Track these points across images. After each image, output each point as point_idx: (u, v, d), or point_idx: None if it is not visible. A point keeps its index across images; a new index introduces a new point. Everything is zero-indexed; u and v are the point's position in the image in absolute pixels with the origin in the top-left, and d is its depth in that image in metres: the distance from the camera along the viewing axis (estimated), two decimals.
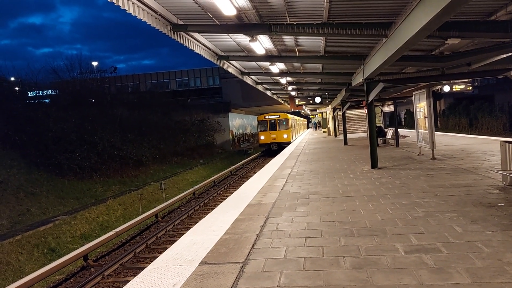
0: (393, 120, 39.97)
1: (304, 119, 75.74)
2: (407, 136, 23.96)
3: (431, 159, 12.29)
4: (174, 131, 38.88)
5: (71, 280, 10.03)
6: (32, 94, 36.12)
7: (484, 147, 14.91)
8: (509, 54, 10.89)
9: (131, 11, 7.52)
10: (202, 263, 4.39)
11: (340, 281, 3.64)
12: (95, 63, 43.62)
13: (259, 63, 15.52)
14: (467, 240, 4.47)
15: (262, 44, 11.24)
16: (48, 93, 38.39)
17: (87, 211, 16.87)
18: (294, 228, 5.56)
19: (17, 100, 27.48)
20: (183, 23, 9.34)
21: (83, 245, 11.85)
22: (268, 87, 26.77)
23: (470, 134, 30.57)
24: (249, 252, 4.66)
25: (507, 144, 7.45)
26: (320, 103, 26.51)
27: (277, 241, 5.03)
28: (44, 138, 23.62)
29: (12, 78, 35.52)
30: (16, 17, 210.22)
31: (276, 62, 14.34)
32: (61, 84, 37.01)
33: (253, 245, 4.92)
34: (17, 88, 32.65)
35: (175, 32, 9.55)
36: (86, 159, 24.13)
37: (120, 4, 7.08)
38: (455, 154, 13.31)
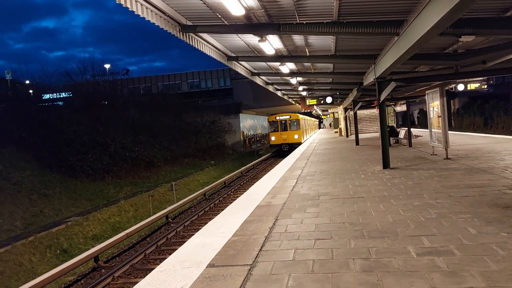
0: (405, 119, 39.54)
1: (315, 119, 75.40)
2: (420, 136, 23.68)
3: (444, 159, 12.08)
4: (186, 132, 39.06)
5: (82, 281, 10.08)
6: (46, 96, 36.64)
7: (500, 146, 14.63)
8: None
9: (140, 13, 7.51)
10: (210, 265, 4.33)
11: (350, 284, 3.54)
12: (107, 66, 44.02)
13: (269, 63, 15.44)
14: (481, 242, 4.33)
15: (271, 44, 11.16)
16: (61, 96, 38.89)
17: (99, 212, 16.99)
18: (303, 230, 5.46)
19: (31, 103, 27.91)
20: (191, 24, 9.31)
21: (94, 246, 11.91)
22: (279, 88, 26.67)
23: (485, 133, 30.12)
24: (257, 254, 4.58)
25: None
26: (331, 103, 26.33)
27: (286, 243, 4.94)
28: (57, 140, 23.92)
29: (27, 81, 36.07)
30: (29, 21, 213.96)
31: (286, 62, 14.24)
32: (74, 86, 37.51)
33: (262, 247, 4.85)
34: (31, 91, 33.13)
35: (184, 33, 9.53)
36: (98, 160, 24.36)
37: (128, 6, 7.07)
38: (470, 153, 13.07)
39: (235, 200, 9.02)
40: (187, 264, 4.46)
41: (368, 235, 4.96)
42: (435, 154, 13.52)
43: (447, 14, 5.58)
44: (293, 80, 20.13)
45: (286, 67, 15.40)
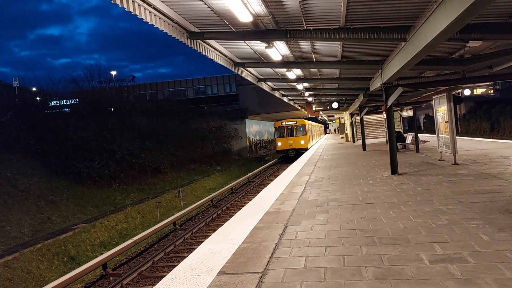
0: (412, 124, 39.40)
1: (321, 125, 75.33)
2: (427, 141, 23.56)
3: (452, 164, 12.00)
4: (192, 138, 39.10)
5: None
6: (52, 103, 36.87)
7: (508, 151, 14.51)
8: None
9: (148, 20, 7.57)
10: (221, 273, 4.32)
11: None
12: (113, 72, 44.27)
13: (275, 69, 15.48)
14: (494, 249, 4.29)
15: (278, 50, 11.20)
16: (68, 103, 39.12)
17: (106, 219, 16.99)
18: (314, 237, 5.44)
19: (38, 110, 28.02)
20: (199, 30, 9.37)
21: (102, 254, 11.91)
22: (285, 93, 26.70)
23: (492, 138, 29.90)
24: (268, 261, 4.56)
25: None
26: (338, 109, 26.30)
27: (297, 250, 4.92)
28: (64, 147, 23.99)
29: (34, 88, 36.31)
30: (35, 29, 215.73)
31: (293, 68, 14.28)
32: (81, 93, 37.71)
33: (272, 254, 4.83)
34: (38, 98, 33.32)
35: (192, 40, 9.59)
36: (105, 167, 24.38)
37: (137, 13, 7.13)
38: (478, 159, 12.98)
39: (243, 206, 9.02)
40: (197, 271, 4.45)
41: (379, 242, 4.93)
42: (443, 160, 13.44)
43: (456, 20, 5.57)
44: (299, 86, 20.17)
45: (293, 73, 15.43)
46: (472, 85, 19.76)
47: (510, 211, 5.86)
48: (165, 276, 4.49)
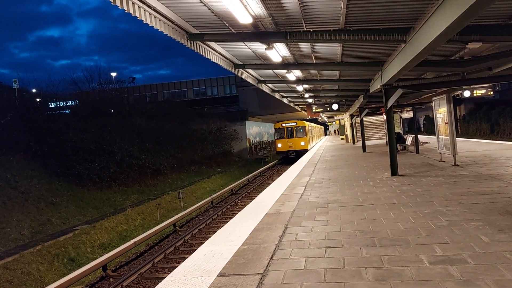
0: (412, 126, 39.42)
1: (321, 126, 75.34)
2: (427, 143, 23.58)
3: (452, 165, 12.01)
4: (192, 139, 39.12)
5: None
6: (52, 105, 36.87)
7: (508, 153, 14.51)
8: None
9: (148, 22, 7.58)
10: (221, 274, 4.32)
11: None
12: (113, 74, 44.26)
13: (275, 71, 15.48)
14: (494, 251, 4.29)
15: (278, 52, 11.21)
16: (68, 104, 39.11)
17: (106, 221, 17.00)
18: (314, 238, 5.44)
19: (38, 112, 28.06)
20: (199, 32, 9.37)
21: (102, 255, 11.90)
22: (285, 95, 26.71)
23: (492, 139, 29.94)
24: (268, 263, 4.56)
25: None
26: (338, 110, 26.34)
27: (297, 251, 4.92)
28: (64, 149, 24.02)
29: (34, 90, 36.29)
30: (35, 30, 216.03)
31: (293, 69, 14.28)
32: (81, 95, 37.70)
33: (272, 255, 4.83)
34: (38, 100, 33.32)
35: (192, 42, 9.59)
36: (105, 168, 24.40)
37: (137, 15, 7.14)
38: (478, 160, 12.98)
39: (243, 208, 9.01)
40: (197, 273, 4.45)
41: (379, 243, 4.93)
42: (443, 161, 13.44)
43: (455, 21, 5.58)
44: (300, 88, 20.16)
45: (293, 75, 15.43)
46: (471, 86, 19.80)
47: (510, 212, 5.86)
48: (165, 277, 4.49)
